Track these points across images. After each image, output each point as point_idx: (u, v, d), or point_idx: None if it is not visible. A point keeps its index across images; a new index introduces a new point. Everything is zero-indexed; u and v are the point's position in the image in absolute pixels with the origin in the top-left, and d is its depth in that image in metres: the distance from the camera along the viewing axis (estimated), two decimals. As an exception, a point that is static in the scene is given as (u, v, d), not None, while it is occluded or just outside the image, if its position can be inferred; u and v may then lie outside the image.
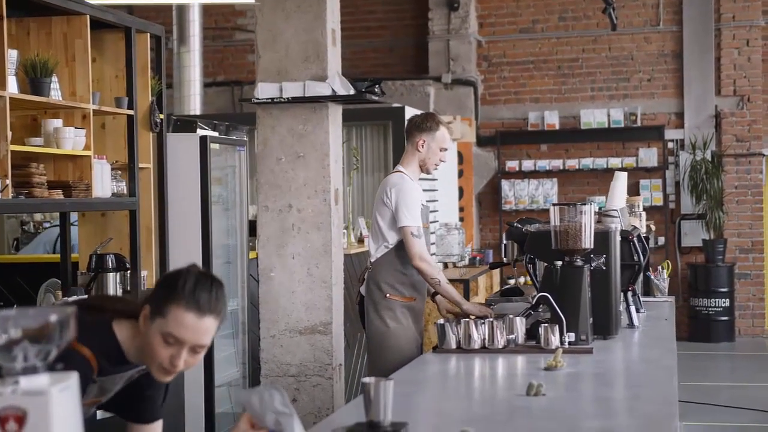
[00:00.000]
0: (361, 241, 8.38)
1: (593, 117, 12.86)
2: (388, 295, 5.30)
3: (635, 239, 5.16)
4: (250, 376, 6.81)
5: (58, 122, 5.12)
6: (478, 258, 10.90)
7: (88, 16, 5.29)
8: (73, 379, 1.82)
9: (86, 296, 5.08)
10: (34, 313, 1.83)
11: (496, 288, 10.36)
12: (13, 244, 8.87)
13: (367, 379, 2.79)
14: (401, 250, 5.23)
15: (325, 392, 5.74)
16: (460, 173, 12.45)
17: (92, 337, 2.71)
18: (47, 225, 8.31)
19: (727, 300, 12.31)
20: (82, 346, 2.68)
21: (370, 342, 5.42)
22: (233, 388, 6.81)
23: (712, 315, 12.31)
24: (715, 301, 12.28)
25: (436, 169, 5.45)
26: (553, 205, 4.56)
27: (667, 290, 6.50)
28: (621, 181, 5.81)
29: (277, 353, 5.78)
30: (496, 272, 11.06)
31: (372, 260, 5.40)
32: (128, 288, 5.69)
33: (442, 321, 4.43)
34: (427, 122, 5.32)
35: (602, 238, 4.63)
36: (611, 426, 3.09)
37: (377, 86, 5.91)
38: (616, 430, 3.02)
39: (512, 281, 10.57)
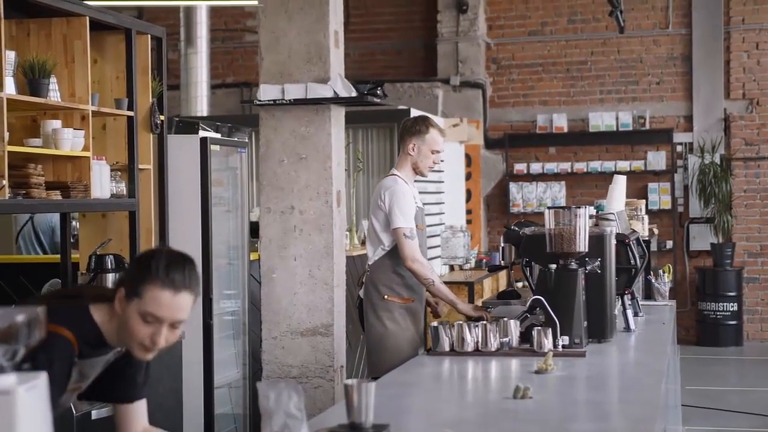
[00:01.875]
0: (364, 242, 8.39)
1: (602, 120, 12.83)
2: (386, 296, 5.34)
3: (632, 243, 5.15)
4: (251, 378, 6.82)
5: (56, 123, 5.14)
6: (484, 261, 10.88)
7: (87, 18, 5.31)
8: (41, 378, 1.82)
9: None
10: (1, 314, 1.84)
11: (503, 291, 10.34)
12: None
13: (348, 381, 2.80)
14: (397, 252, 5.27)
15: (326, 394, 5.74)
16: (468, 176, 12.46)
17: (71, 320, 2.79)
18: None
19: (735, 304, 12.27)
20: (62, 329, 2.74)
21: (369, 344, 5.46)
22: (233, 390, 6.82)
23: (720, 319, 12.27)
24: (723, 305, 12.25)
25: (431, 171, 5.49)
26: (548, 208, 4.56)
27: (667, 294, 6.47)
28: (619, 184, 5.81)
29: (278, 355, 5.79)
30: (503, 275, 11.05)
31: (369, 263, 5.45)
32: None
33: (435, 323, 4.45)
34: (416, 125, 5.38)
35: (597, 241, 4.62)
36: (593, 429, 3.09)
37: (379, 88, 5.91)
38: (597, 433, 3.03)
39: (520, 284, 10.55)
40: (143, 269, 2.75)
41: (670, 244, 12.62)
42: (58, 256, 5.98)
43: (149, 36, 6.02)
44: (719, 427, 8.22)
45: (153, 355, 2.82)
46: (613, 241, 4.79)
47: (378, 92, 5.89)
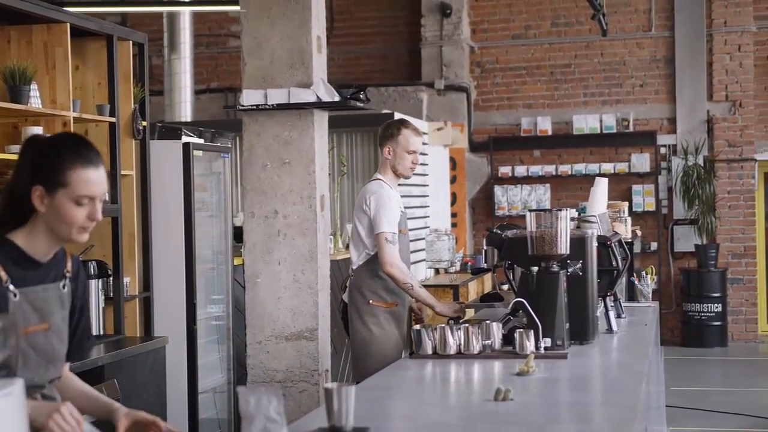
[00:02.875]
0: (348, 246, 8.39)
1: (586, 122, 12.87)
2: (371, 301, 5.37)
3: (614, 245, 5.16)
4: (236, 382, 6.81)
5: (38, 130, 5.14)
6: (470, 264, 10.90)
7: (68, 24, 5.31)
8: (16, 385, 1.83)
9: None
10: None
11: (489, 294, 10.35)
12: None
13: (328, 385, 2.81)
14: (381, 256, 5.29)
15: (311, 398, 5.74)
16: (453, 179, 12.48)
17: None
18: None
19: (720, 305, 12.32)
20: None
21: (354, 349, 5.47)
22: (218, 395, 6.82)
23: (704, 320, 12.31)
24: (708, 306, 12.29)
25: (413, 172, 5.53)
26: (530, 210, 4.57)
27: (650, 296, 6.49)
28: (601, 186, 5.83)
29: (263, 359, 5.79)
30: (488, 277, 11.07)
31: (354, 267, 5.46)
32: (111, 295, 5.70)
33: (418, 327, 4.45)
34: (389, 129, 5.47)
35: (579, 243, 4.64)
36: (574, 430, 3.10)
37: (362, 93, 5.93)
38: (577, 434, 3.04)
39: (505, 287, 10.57)
40: (56, 159, 2.79)
41: (654, 245, 12.66)
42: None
43: (131, 42, 6.02)
44: (704, 427, 8.25)
45: (88, 233, 2.86)
46: (595, 243, 4.80)
47: (361, 96, 5.90)
